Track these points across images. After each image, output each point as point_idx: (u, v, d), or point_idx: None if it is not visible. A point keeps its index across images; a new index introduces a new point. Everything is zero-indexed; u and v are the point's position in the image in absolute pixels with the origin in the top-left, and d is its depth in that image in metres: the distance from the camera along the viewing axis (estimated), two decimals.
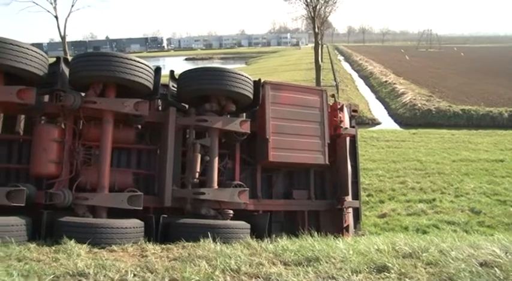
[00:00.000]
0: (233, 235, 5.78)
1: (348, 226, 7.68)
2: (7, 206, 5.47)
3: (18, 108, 6.04)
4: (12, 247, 5.00)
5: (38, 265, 4.55)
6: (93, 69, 5.91)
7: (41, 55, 5.98)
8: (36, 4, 42.20)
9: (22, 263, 4.57)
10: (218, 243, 5.35)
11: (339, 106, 7.97)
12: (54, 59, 6.58)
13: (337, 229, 7.42)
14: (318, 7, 34.81)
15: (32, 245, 5.15)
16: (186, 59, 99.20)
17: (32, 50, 5.81)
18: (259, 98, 6.97)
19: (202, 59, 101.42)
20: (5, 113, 6.17)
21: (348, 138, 8.06)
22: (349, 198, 7.72)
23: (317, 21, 35.82)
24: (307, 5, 34.08)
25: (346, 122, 8.05)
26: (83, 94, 6.13)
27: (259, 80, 7.08)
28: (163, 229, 5.94)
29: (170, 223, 5.96)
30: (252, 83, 6.81)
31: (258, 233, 6.17)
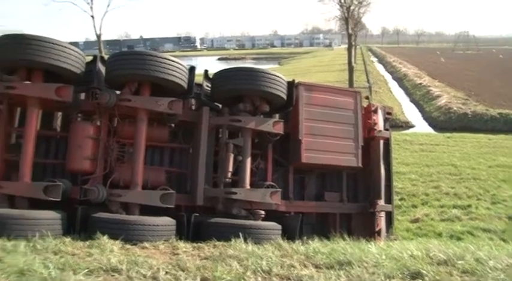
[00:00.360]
0: (264, 236, 5.76)
1: (380, 230, 7.55)
2: (44, 200, 5.61)
3: (56, 105, 6.18)
4: (49, 240, 5.12)
5: (73, 258, 4.64)
6: (129, 67, 5.99)
7: (79, 54, 6.11)
8: (74, 4, 43.15)
9: (58, 257, 4.67)
10: (249, 243, 5.34)
11: (373, 108, 7.86)
12: (91, 57, 6.71)
13: (369, 232, 7.30)
14: (351, 8, 34.46)
15: (67, 239, 5.25)
16: (218, 59, 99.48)
17: (70, 48, 5.94)
18: (292, 99, 6.93)
19: (235, 59, 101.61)
20: (43, 110, 6.29)
21: (381, 141, 7.93)
22: (381, 202, 7.59)
23: (351, 22, 35.49)
24: (340, 6, 33.81)
25: (380, 125, 7.92)
26: (118, 92, 6.24)
27: (293, 80, 7.05)
28: (194, 228, 5.97)
29: (202, 222, 5.99)
30: (285, 84, 6.78)
31: (289, 234, 6.14)
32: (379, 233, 7.52)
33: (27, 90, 5.85)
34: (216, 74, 6.80)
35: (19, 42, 5.76)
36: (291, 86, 6.94)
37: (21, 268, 4.19)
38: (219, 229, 5.72)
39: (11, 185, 5.73)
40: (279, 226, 6.13)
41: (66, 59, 5.83)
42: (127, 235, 5.31)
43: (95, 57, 6.66)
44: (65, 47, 5.88)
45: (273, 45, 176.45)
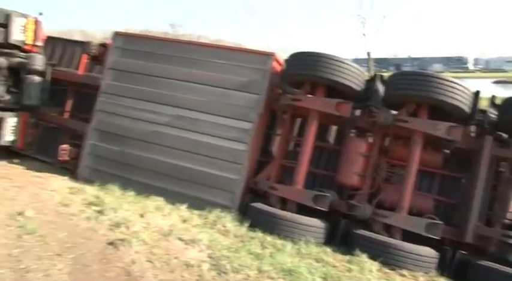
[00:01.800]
0: None
1: None
2: (311, 208, 5.93)
3: (334, 119, 6.47)
4: (312, 246, 5.42)
5: (334, 270, 4.77)
6: (409, 88, 5.83)
7: (360, 71, 6.26)
8: (349, 24, 45.20)
9: (320, 265, 4.88)
10: None
11: None
12: (371, 75, 6.81)
13: None
14: None
15: (328, 250, 5.46)
16: (494, 82, 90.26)
17: (352, 66, 6.16)
18: None
19: None
20: (320, 123, 6.64)
21: None
22: None
23: None
24: None
25: None
26: (394, 112, 6.16)
27: None
28: (458, 266, 5.47)
29: (468, 262, 5.43)
30: None
31: None
32: None
33: (310, 103, 6.29)
34: (506, 100, 6.06)
35: (306, 59, 6.24)
36: None
37: (289, 267, 4.51)
38: (491, 275, 5.10)
39: (285, 189, 6.24)
40: None
41: (348, 76, 6.06)
42: (387, 258, 5.21)
43: (374, 75, 6.73)
44: (348, 64, 6.12)
45: None
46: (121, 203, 5.70)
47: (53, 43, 9.44)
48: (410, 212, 5.90)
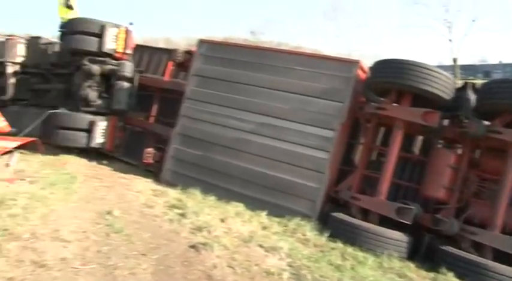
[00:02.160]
0: None
1: None
2: (392, 220, 5.70)
3: (420, 129, 6.19)
4: (394, 260, 5.21)
5: None
6: (506, 97, 5.44)
7: (450, 79, 5.96)
8: (433, 29, 43.49)
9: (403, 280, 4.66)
10: None
11: None
12: (462, 83, 6.48)
13: None
14: None
15: (412, 265, 5.23)
16: None
17: (440, 73, 5.86)
18: None
19: None
20: (405, 132, 6.39)
21: None
22: None
23: None
24: None
25: None
26: (486, 123, 5.79)
27: None
28: None
29: None
30: None
31: None
32: None
33: (396, 112, 6.07)
34: None
35: (393, 66, 6.02)
36: None
37: None
38: None
39: (367, 200, 6.06)
40: None
41: (437, 84, 5.78)
42: (477, 279, 4.88)
43: (465, 83, 6.39)
44: (437, 72, 5.83)
45: None
46: (202, 207, 5.80)
47: (141, 51, 9.85)
48: (503, 231, 5.49)
